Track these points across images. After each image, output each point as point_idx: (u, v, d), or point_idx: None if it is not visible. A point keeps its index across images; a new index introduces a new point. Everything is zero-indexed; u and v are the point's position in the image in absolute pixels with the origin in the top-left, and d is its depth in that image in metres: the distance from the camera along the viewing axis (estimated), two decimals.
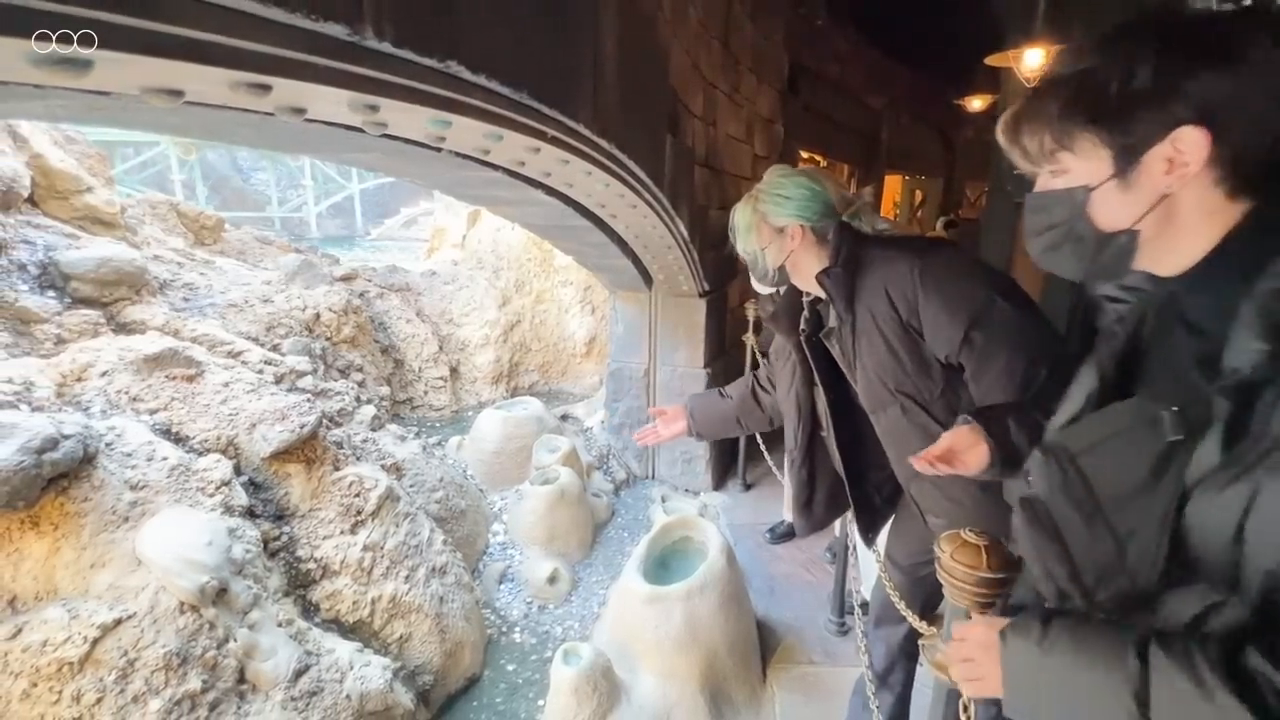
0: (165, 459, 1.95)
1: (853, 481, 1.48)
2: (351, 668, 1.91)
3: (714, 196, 3.47)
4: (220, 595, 1.74)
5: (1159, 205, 0.63)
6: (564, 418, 4.18)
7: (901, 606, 1.43)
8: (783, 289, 2.49)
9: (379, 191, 22.81)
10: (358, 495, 2.24)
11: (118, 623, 1.56)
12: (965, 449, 1.01)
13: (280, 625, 1.87)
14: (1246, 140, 0.59)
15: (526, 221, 2.83)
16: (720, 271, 2.55)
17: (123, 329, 2.69)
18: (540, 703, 2.21)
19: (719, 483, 3.70)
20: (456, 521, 2.89)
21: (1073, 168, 0.67)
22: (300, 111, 1.02)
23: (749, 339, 3.32)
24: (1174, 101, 0.59)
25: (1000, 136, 0.73)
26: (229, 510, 1.97)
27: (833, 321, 1.37)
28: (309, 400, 2.44)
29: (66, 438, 1.67)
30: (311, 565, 2.10)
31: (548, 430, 3.65)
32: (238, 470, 2.14)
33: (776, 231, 1.37)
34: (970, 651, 0.76)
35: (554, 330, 5.48)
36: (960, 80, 6.55)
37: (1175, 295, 0.68)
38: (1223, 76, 0.58)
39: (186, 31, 0.70)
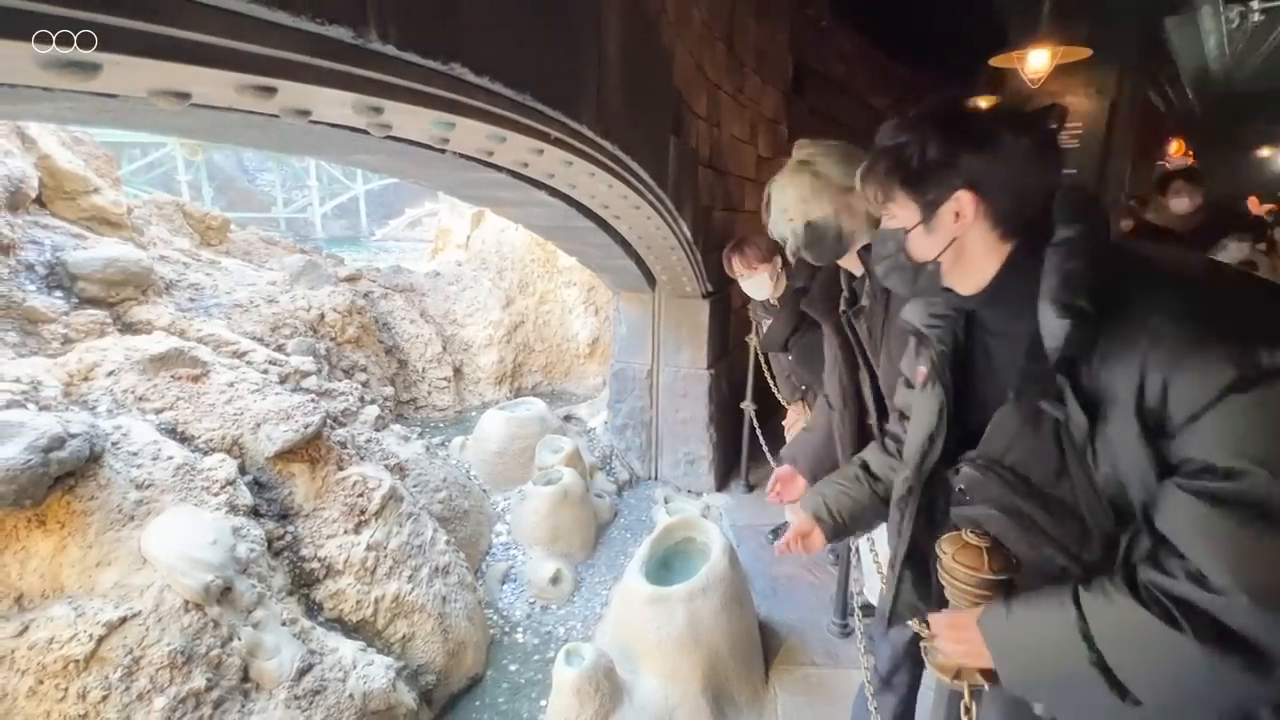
0: (171, 458, 1.96)
1: None
2: (355, 667, 1.92)
3: (718, 197, 3.47)
4: (225, 594, 1.75)
5: (952, 245, 0.87)
6: (567, 418, 4.19)
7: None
8: (776, 297, 2.49)
9: (383, 192, 22.89)
10: (361, 495, 2.25)
11: (123, 621, 1.57)
12: (808, 535, 1.31)
13: (284, 624, 1.88)
14: (1002, 201, 0.83)
15: (530, 223, 2.84)
16: (723, 272, 2.56)
17: (129, 329, 2.70)
18: (542, 703, 2.22)
19: (722, 484, 3.70)
20: (459, 522, 2.90)
21: (896, 214, 0.91)
22: (305, 113, 1.03)
23: (752, 340, 3.32)
24: (952, 173, 0.83)
25: (857, 184, 0.97)
26: (234, 509, 1.98)
27: (865, 300, 1.36)
28: (313, 400, 2.46)
29: (73, 437, 1.68)
30: (315, 564, 2.10)
31: (551, 431, 3.66)
32: (242, 470, 2.15)
33: (846, 190, 1.34)
34: (962, 637, 0.89)
35: (557, 331, 5.48)
36: (964, 81, 6.53)
37: (974, 312, 0.94)
38: (982, 157, 0.82)
39: (193, 35, 0.70)
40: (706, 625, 2.06)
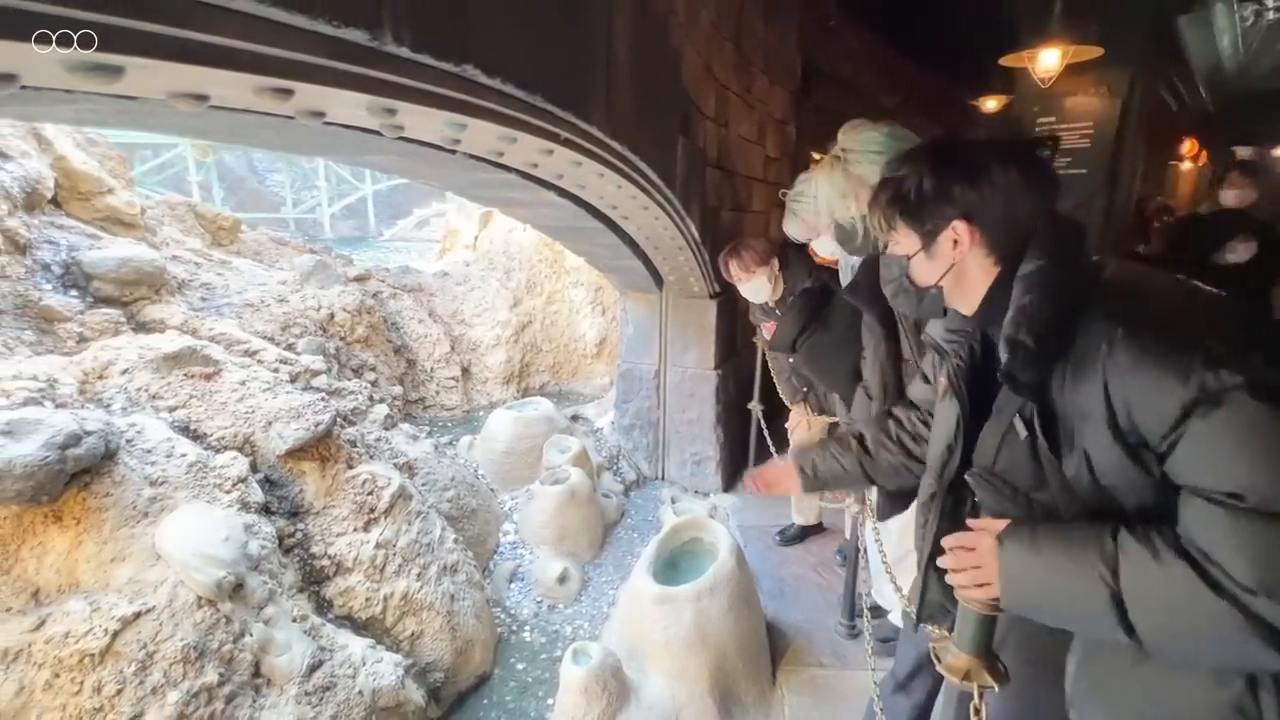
0: (184, 456, 1.98)
1: None
2: (364, 664, 1.94)
3: (725, 198, 3.48)
4: (237, 590, 1.77)
5: (952, 270, 0.93)
6: (574, 418, 4.19)
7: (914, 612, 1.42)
8: (774, 299, 2.49)
9: (392, 193, 22.99)
10: (371, 493, 2.27)
11: (137, 616, 1.59)
12: (784, 479, 1.43)
13: (295, 621, 1.90)
14: (996, 229, 0.89)
15: (539, 223, 2.85)
16: (735, 279, 2.56)
17: (142, 328, 2.73)
18: (550, 701, 2.23)
19: (729, 484, 3.70)
20: (467, 520, 2.91)
21: (899, 242, 0.98)
22: (320, 115, 1.04)
23: (760, 340, 3.31)
24: (947, 204, 0.90)
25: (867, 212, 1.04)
26: (245, 507, 2.00)
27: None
28: (323, 399, 2.48)
29: (89, 434, 1.70)
30: (325, 562, 2.12)
31: (558, 430, 3.67)
32: (254, 467, 2.17)
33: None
34: (975, 559, 0.89)
35: (565, 331, 5.49)
36: (974, 81, 6.50)
37: (978, 330, 0.99)
38: (974, 188, 0.88)
39: (213, 38, 0.72)
40: (714, 625, 2.06)
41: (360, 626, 2.11)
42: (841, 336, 1.92)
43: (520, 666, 2.46)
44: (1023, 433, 0.88)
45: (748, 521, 3.30)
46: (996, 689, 0.99)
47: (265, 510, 2.09)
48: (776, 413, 3.16)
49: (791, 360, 2.54)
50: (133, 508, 1.75)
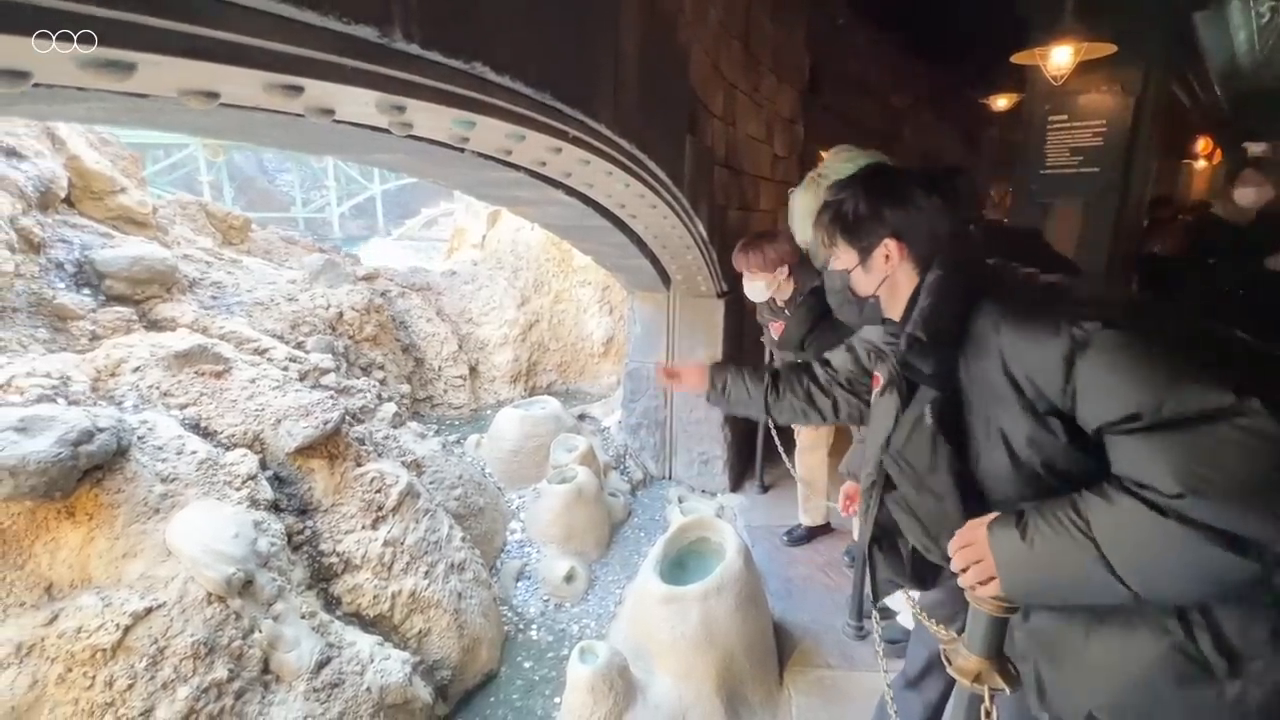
0: (194, 453, 1.99)
1: None
2: (372, 661, 1.94)
3: (733, 196, 3.46)
4: (246, 587, 1.78)
5: (885, 282, 1.08)
6: (581, 417, 4.20)
7: (923, 617, 1.41)
8: (784, 299, 2.48)
9: (400, 192, 23.10)
10: (379, 491, 2.28)
11: (149, 611, 1.60)
12: (692, 379, 1.66)
13: (303, 617, 1.91)
14: (918, 245, 1.03)
15: (547, 222, 2.85)
16: (738, 272, 2.56)
17: (154, 326, 2.76)
18: (556, 700, 2.23)
19: (736, 484, 3.69)
20: (475, 519, 2.92)
21: (840, 257, 1.12)
22: (329, 112, 1.04)
23: (767, 340, 3.30)
24: (879, 224, 1.05)
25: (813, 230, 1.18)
26: (255, 504, 2.02)
27: None
28: (332, 397, 2.49)
29: (101, 431, 1.72)
30: (334, 559, 2.13)
31: (565, 429, 3.67)
32: (263, 465, 2.18)
33: None
34: (975, 553, 0.92)
35: (572, 330, 5.50)
36: (984, 79, 6.44)
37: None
38: (901, 211, 1.04)
39: (224, 35, 0.72)
40: (721, 625, 2.06)
41: (368, 624, 2.12)
42: (848, 336, 1.92)
43: (527, 665, 2.47)
44: (928, 419, 0.99)
45: (755, 522, 3.29)
46: (1008, 691, 0.98)
47: (274, 507, 2.10)
48: None
49: (799, 359, 2.53)
50: (144, 504, 1.77)
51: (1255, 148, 7.18)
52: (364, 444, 2.48)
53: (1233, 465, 0.71)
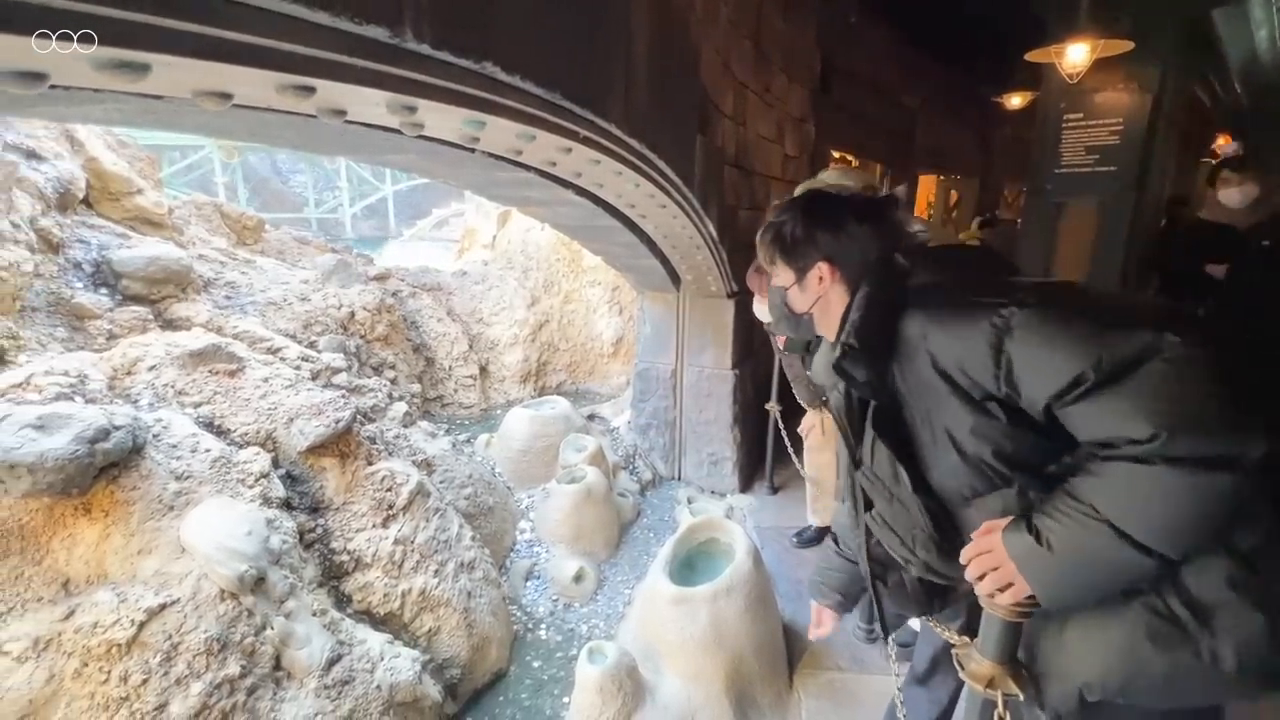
0: (208, 451, 2.01)
1: None
2: (382, 659, 1.95)
3: (744, 197, 3.45)
4: (258, 584, 1.79)
5: (819, 301, 1.14)
6: (591, 417, 4.20)
7: (931, 620, 1.40)
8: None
9: (411, 193, 23.26)
10: (389, 490, 2.29)
11: (163, 607, 1.62)
12: (823, 623, 1.59)
13: (314, 615, 1.92)
14: (849, 269, 1.10)
15: (557, 222, 2.85)
16: (751, 291, 2.55)
17: (169, 325, 2.79)
18: (565, 700, 2.23)
19: (746, 485, 3.67)
20: (485, 518, 2.93)
21: (779, 275, 1.19)
22: (341, 113, 1.05)
23: (775, 345, 3.29)
24: (813, 247, 1.11)
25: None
26: (267, 502, 2.03)
27: None
28: (344, 396, 2.50)
29: (117, 429, 1.74)
30: (345, 557, 2.14)
31: (575, 429, 3.67)
32: (276, 463, 2.20)
33: None
34: (992, 560, 0.93)
35: (582, 330, 5.50)
36: (998, 77, 6.38)
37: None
38: (832, 236, 1.10)
39: (237, 35, 0.72)
40: (730, 627, 2.05)
41: (378, 622, 2.13)
42: None
43: (536, 664, 2.47)
44: (869, 428, 1.07)
45: (764, 523, 3.27)
46: (1021, 697, 0.97)
47: (286, 505, 2.11)
48: (794, 414, 3.13)
49: (806, 362, 2.52)
50: (159, 501, 1.79)
51: (1227, 146, 6.95)
52: (375, 443, 2.50)
53: (1176, 394, 0.76)
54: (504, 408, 4.61)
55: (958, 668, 1.04)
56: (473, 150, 1.49)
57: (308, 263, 4.53)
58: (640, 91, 1.85)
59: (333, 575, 2.13)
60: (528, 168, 1.73)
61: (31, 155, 2.90)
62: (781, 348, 2.49)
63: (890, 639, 1.64)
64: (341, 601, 2.10)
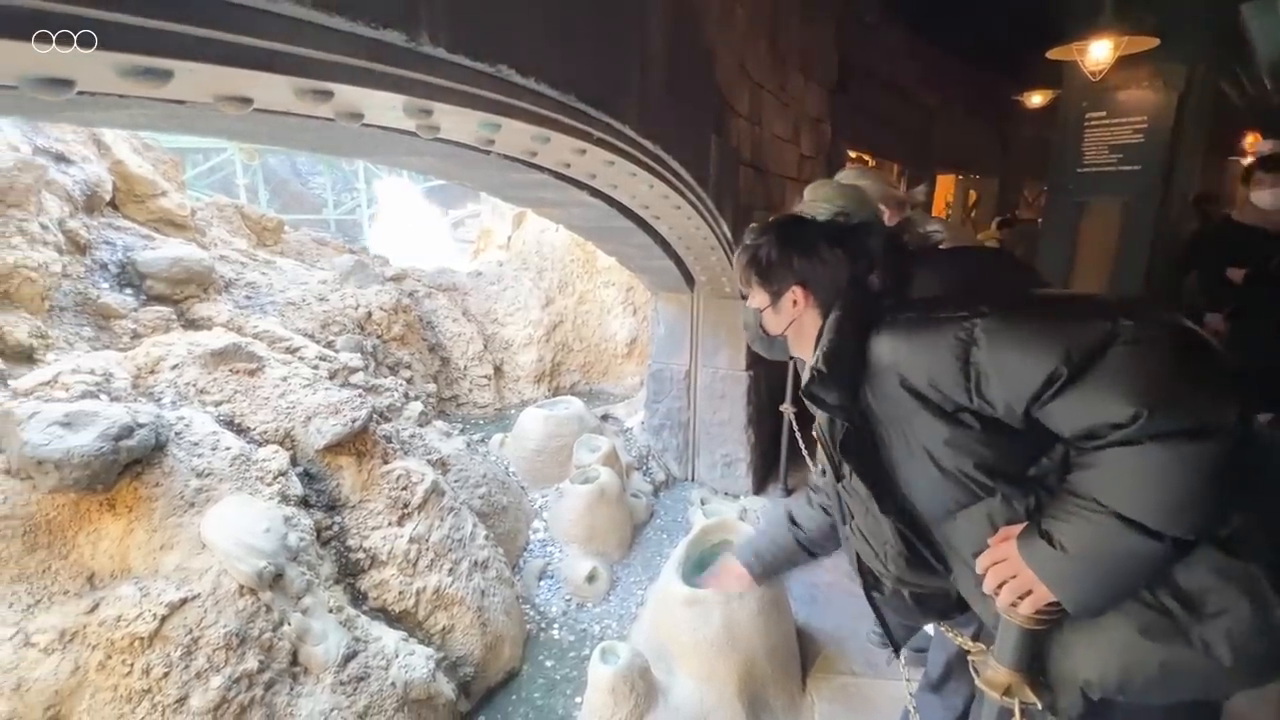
0: (228, 449, 2.05)
1: None
2: (397, 656, 1.97)
3: (759, 197, 3.44)
4: (276, 580, 1.82)
5: (793, 324, 1.17)
6: (604, 418, 4.20)
7: (944, 626, 1.38)
8: None
9: (428, 194, 23.45)
10: (405, 489, 2.31)
11: (184, 602, 1.65)
12: (737, 576, 1.66)
13: (331, 611, 1.94)
14: (822, 294, 1.12)
15: (571, 223, 2.86)
16: None
17: (191, 325, 2.84)
18: (578, 700, 2.23)
19: (760, 487, 3.66)
20: (498, 517, 2.94)
21: (754, 297, 1.21)
22: (358, 116, 1.06)
23: None
24: (788, 272, 1.14)
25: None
26: (285, 499, 2.06)
27: None
28: (360, 396, 2.53)
29: (141, 426, 1.78)
30: (361, 555, 2.17)
31: (588, 430, 3.68)
32: (294, 461, 2.23)
33: None
34: (1010, 568, 0.92)
35: (596, 331, 5.51)
36: (1018, 75, 6.29)
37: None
38: (806, 260, 1.12)
39: (256, 41, 0.73)
40: (743, 629, 2.04)
41: (393, 619, 2.15)
42: None
43: (549, 664, 2.48)
44: (836, 447, 1.10)
45: None
46: (1039, 705, 0.95)
47: (304, 503, 2.14)
48: (808, 416, 3.11)
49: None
50: (180, 498, 1.82)
51: (1264, 144, 6.71)
52: (391, 442, 2.52)
53: (1144, 373, 0.78)
54: (518, 408, 4.63)
55: (973, 674, 1.03)
56: (488, 152, 1.50)
57: (326, 263, 4.59)
58: (655, 92, 1.85)
59: (349, 572, 2.15)
60: (543, 169, 1.74)
61: (60, 158, 2.97)
62: None
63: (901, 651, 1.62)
64: (357, 598, 2.13)
